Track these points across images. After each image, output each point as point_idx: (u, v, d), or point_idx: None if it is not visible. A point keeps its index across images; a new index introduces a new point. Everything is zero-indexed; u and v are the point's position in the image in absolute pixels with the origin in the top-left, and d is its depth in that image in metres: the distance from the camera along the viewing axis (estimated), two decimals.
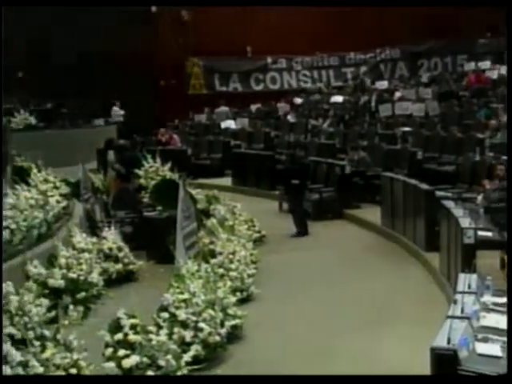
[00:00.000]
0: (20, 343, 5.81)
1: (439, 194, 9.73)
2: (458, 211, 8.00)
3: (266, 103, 24.38)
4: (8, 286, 6.48)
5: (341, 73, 25.88)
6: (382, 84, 22.44)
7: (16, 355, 5.39)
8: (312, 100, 23.45)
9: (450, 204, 8.52)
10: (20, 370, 5.25)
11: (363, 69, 25.22)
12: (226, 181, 17.07)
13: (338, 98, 22.04)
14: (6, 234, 7.71)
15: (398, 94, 20.21)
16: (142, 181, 12.69)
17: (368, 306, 7.80)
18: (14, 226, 7.81)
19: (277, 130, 20.24)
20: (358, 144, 15.08)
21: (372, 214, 11.99)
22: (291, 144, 17.13)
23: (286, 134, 19.53)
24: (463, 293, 4.70)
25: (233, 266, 8.46)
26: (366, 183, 13.27)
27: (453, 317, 4.22)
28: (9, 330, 6.02)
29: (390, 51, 25.07)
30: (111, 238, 9.47)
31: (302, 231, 11.71)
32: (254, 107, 24.30)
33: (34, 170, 10.63)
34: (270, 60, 26.57)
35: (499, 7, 17.07)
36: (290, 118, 21.18)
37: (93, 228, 10.00)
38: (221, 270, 8.24)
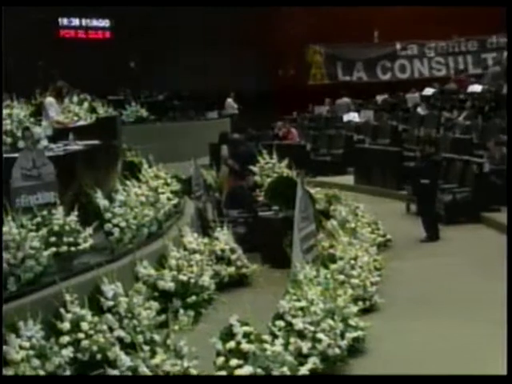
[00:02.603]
0: (129, 347, 6.04)
1: None
2: None
3: (394, 94, 24.05)
4: (118, 288, 6.75)
5: (480, 59, 25.13)
6: None
7: (126, 360, 5.60)
8: (446, 90, 22.92)
9: None
10: None
11: (506, 54, 24.35)
12: (348, 179, 16.98)
13: (477, 88, 21.39)
14: (116, 232, 8.02)
15: None
16: (258, 178, 12.85)
17: (504, 325, 7.52)
18: (123, 224, 8.09)
19: (405, 123, 19.95)
20: (500, 139, 14.60)
21: None
22: (421, 139, 16.80)
23: (415, 127, 19.21)
24: None
25: (354, 273, 8.41)
26: (507, 183, 12.83)
27: None
28: (118, 332, 6.27)
29: None
30: (224, 238, 9.65)
31: (433, 236, 11.49)
32: (379, 98, 24.06)
33: (145, 166, 11.01)
34: (399, 46, 26.22)
35: None
36: (421, 111, 20.81)
37: (204, 228, 10.22)
38: (341, 277, 8.20)
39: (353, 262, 8.67)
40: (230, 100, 24.38)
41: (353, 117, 21.91)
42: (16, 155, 7.74)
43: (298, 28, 25.68)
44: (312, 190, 11.21)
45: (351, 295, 7.72)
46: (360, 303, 7.90)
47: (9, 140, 9.28)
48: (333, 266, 8.37)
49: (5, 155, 8.38)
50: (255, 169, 13.03)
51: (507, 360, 3.59)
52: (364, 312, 7.80)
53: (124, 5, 23.56)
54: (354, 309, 7.27)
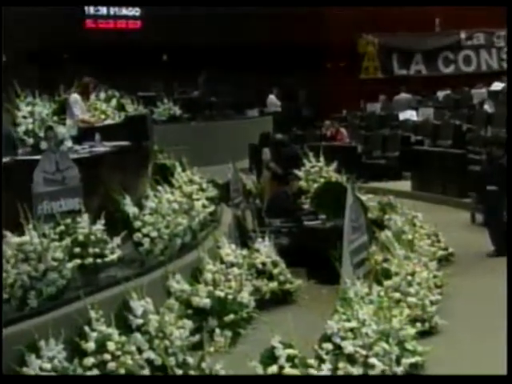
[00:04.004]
0: (160, 370, 6.09)
1: None
2: None
3: (457, 89, 23.88)
4: (147, 304, 6.80)
5: None
6: None
7: None
8: None
9: None
10: None
11: None
12: (405, 185, 16.91)
13: None
14: (146, 243, 8.09)
15: None
16: (303, 183, 12.87)
17: None
18: (154, 234, 8.16)
19: (470, 122, 19.80)
20: None
21: None
22: (488, 140, 16.68)
23: (481, 127, 19.06)
24: None
25: (412, 290, 8.38)
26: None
27: None
28: (147, 354, 6.33)
29: None
30: (265, 250, 9.68)
31: (501, 249, 11.36)
32: (441, 94, 23.92)
33: (178, 169, 11.08)
34: (463, 35, 26.04)
35: None
36: (488, 108, 20.63)
37: (243, 238, 10.26)
38: (397, 295, 8.19)
39: (410, 278, 8.64)
40: (272, 96, 24.42)
41: (410, 115, 21.78)
42: (38, 157, 7.85)
43: (349, 16, 25.62)
44: (364, 197, 11.20)
45: (408, 315, 7.69)
46: (418, 325, 7.86)
47: (30, 141, 9.44)
48: (387, 283, 8.35)
49: (26, 157, 8.53)
50: (300, 173, 13.04)
51: (507, 360, 3.62)
52: (423, 335, 7.75)
53: (125, 5, 24.12)
54: (412, 331, 7.24)
